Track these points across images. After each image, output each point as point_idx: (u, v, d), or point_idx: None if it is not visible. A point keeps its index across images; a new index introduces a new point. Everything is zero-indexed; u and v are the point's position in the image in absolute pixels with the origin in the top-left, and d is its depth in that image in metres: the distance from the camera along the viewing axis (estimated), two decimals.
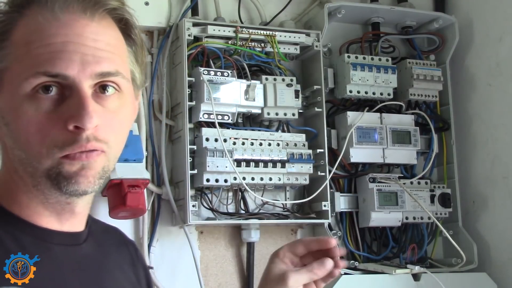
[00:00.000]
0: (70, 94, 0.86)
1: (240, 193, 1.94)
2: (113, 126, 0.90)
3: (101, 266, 1.00)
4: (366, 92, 2.05)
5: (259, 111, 1.94)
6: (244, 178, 1.85)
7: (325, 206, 1.95)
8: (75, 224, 0.97)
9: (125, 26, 0.94)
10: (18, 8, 0.89)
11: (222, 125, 1.88)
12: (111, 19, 0.92)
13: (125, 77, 0.91)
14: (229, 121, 1.89)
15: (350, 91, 2.03)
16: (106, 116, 0.88)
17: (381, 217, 2.00)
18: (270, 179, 1.90)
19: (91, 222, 1.04)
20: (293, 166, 1.91)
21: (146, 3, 1.94)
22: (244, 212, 1.93)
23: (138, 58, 0.97)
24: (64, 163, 0.86)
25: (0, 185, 0.94)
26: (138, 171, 1.73)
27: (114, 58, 0.90)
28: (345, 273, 1.92)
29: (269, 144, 1.90)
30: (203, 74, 1.83)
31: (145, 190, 1.79)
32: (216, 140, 1.83)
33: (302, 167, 1.92)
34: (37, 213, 0.92)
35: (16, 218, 0.91)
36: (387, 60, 2.10)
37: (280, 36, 1.98)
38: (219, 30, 1.92)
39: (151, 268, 1.85)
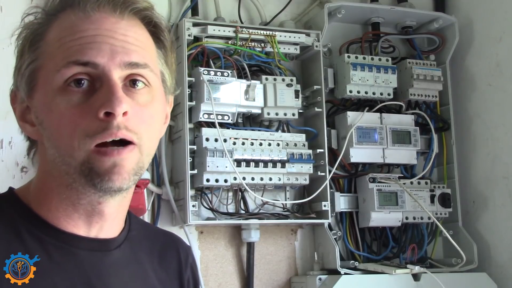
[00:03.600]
0: (100, 85, 0.88)
1: (240, 193, 1.94)
2: (144, 119, 0.90)
3: (132, 273, 0.99)
4: (366, 92, 2.05)
5: (259, 111, 1.94)
6: (244, 178, 1.85)
7: (325, 206, 1.95)
8: (105, 228, 0.96)
9: (154, 29, 0.96)
10: (54, 11, 0.92)
11: (222, 125, 1.88)
12: (140, 21, 0.94)
13: (154, 71, 0.93)
14: (229, 121, 1.89)
15: (350, 91, 2.03)
16: (136, 108, 0.89)
17: (381, 217, 2.00)
18: (270, 179, 1.90)
19: (136, 227, 1.03)
20: (293, 166, 1.91)
21: None
22: (244, 212, 1.93)
23: (168, 61, 0.98)
24: (95, 158, 0.86)
25: (34, 188, 0.95)
26: None
27: (143, 52, 0.92)
28: (345, 273, 1.92)
29: (269, 144, 1.90)
30: (203, 74, 1.83)
31: (145, 190, 1.79)
32: (216, 140, 1.83)
33: (302, 167, 1.92)
34: (66, 215, 0.92)
35: (43, 222, 0.92)
36: (387, 60, 2.10)
37: (280, 36, 1.98)
38: (219, 30, 1.92)
39: None
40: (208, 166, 1.80)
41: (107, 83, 0.87)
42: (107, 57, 0.88)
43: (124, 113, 0.87)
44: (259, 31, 1.97)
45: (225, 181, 1.83)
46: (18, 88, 0.94)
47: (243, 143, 1.87)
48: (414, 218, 2.04)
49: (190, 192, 1.83)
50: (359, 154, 2.03)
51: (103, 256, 0.95)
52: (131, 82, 0.90)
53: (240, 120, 1.97)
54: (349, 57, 2.05)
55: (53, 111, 0.88)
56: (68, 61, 0.87)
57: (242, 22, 2.07)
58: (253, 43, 1.96)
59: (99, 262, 0.94)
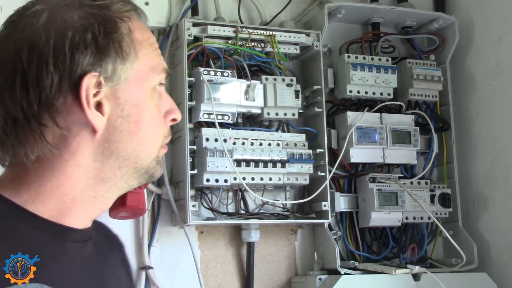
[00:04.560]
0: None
1: (240, 193, 1.94)
2: None
3: (102, 263, 1.01)
4: (366, 92, 2.05)
5: (259, 111, 1.94)
6: (244, 178, 1.85)
7: (325, 206, 1.95)
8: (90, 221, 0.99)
9: None
10: (126, 13, 0.97)
11: (222, 125, 1.88)
12: None
13: None
14: (229, 121, 1.89)
15: (350, 91, 2.03)
16: None
17: (381, 217, 2.00)
18: (270, 179, 1.90)
19: None
20: (293, 166, 1.91)
21: (146, 3, 1.94)
22: (244, 212, 1.93)
23: None
24: (160, 153, 1.00)
25: (20, 183, 0.93)
26: None
27: None
28: (345, 273, 1.92)
29: (269, 144, 1.90)
30: (203, 74, 1.84)
31: (145, 190, 1.79)
32: (216, 140, 1.83)
33: (302, 167, 1.92)
34: (67, 208, 0.93)
35: (36, 217, 0.91)
36: (387, 60, 2.10)
37: (280, 36, 1.98)
38: (219, 30, 1.92)
39: (151, 268, 1.85)
40: (208, 166, 1.80)
41: (167, 93, 1.02)
42: None
43: None
44: (259, 31, 1.96)
45: (225, 181, 1.83)
46: (121, 75, 0.92)
47: (243, 143, 1.87)
48: (414, 218, 2.04)
49: (190, 192, 1.83)
50: (359, 154, 2.03)
51: (83, 247, 0.97)
52: None
53: (240, 120, 1.97)
54: (349, 57, 2.05)
55: (147, 109, 0.95)
56: (163, 68, 0.98)
57: (242, 22, 2.07)
58: (253, 43, 1.96)
59: (81, 253, 0.96)
